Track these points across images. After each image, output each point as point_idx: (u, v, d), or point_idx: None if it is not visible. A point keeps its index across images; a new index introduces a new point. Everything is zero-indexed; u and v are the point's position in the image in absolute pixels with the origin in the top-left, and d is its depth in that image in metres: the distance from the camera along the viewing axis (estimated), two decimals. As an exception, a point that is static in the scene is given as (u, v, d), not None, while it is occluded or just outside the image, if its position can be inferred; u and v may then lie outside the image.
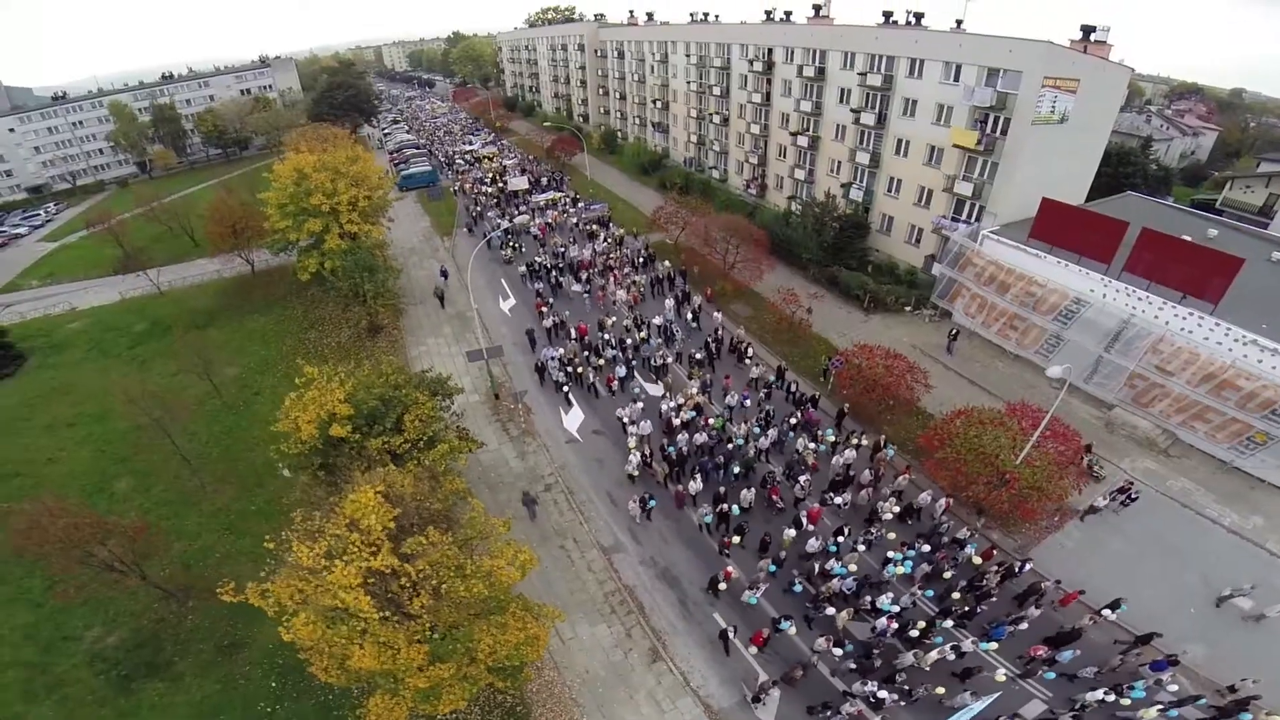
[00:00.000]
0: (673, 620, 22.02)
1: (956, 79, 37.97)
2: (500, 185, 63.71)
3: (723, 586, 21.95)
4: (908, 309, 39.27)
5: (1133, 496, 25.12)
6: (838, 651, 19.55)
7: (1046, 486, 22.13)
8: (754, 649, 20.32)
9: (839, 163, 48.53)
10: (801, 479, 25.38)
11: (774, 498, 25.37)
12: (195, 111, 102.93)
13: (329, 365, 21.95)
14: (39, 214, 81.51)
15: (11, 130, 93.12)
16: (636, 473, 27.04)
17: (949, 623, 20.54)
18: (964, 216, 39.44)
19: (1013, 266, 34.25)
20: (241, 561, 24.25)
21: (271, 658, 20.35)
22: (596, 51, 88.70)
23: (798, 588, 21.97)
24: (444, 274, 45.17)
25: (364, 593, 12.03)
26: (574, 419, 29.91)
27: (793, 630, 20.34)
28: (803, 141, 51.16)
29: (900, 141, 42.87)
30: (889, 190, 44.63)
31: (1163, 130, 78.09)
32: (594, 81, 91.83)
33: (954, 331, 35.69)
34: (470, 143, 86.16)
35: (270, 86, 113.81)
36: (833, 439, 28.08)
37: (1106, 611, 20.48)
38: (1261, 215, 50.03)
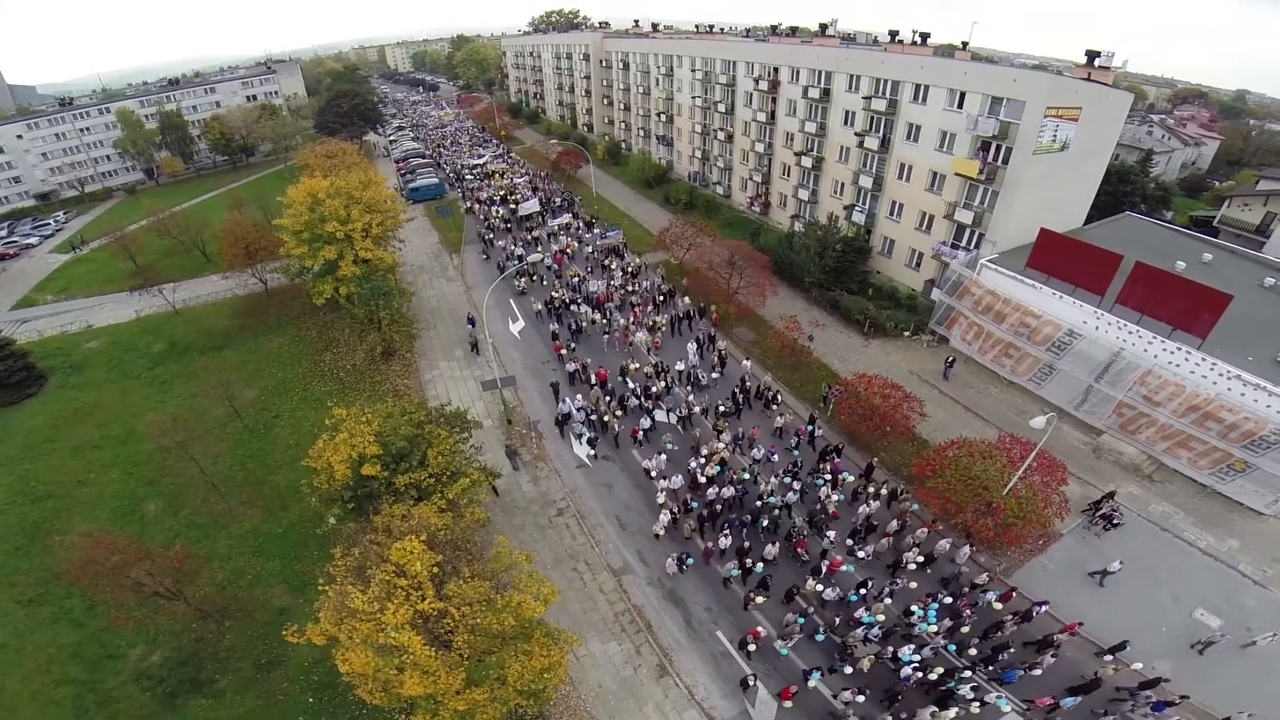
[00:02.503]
0: (679, 638, 23.97)
1: (960, 106, 39.19)
2: (511, 207, 64.83)
3: (752, 648, 22.75)
4: (906, 334, 41.07)
5: (1115, 522, 26.97)
6: (861, 699, 20.59)
7: (1030, 516, 24.01)
8: (785, 703, 21.07)
9: (842, 184, 50.24)
10: (831, 534, 26.27)
11: (799, 550, 26.08)
12: (202, 118, 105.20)
13: (356, 406, 23.81)
14: (49, 223, 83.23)
15: (19, 137, 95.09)
16: (663, 531, 27.37)
17: (967, 671, 21.52)
18: (964, 243, 40.96)
19: (1009, 297, 35.93)
20: (273, 583, 26.32)
21: (308, 674, 22.36)
22: (602, 61, 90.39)
23: (820, 637, 23.21)
24: (471, 321, 43.66)
25: (414, 632, 13.97)
26: (583, 447, 31.72)
27: (818, 679, 21.31)
28: (807, 162, 52.85)
29: (903, 166, 44.35)
30: (891, 214, 46.24)
31: (1164, 141, 79.74)
32: (599, 91, 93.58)
33: (950, 359, 37.48)
34: (479, 155, 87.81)
35: (276, 92, 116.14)
36: (851, 479, 28.98)
37: (1137, 665, 21.30)
38: (1258, 234, 51.62)
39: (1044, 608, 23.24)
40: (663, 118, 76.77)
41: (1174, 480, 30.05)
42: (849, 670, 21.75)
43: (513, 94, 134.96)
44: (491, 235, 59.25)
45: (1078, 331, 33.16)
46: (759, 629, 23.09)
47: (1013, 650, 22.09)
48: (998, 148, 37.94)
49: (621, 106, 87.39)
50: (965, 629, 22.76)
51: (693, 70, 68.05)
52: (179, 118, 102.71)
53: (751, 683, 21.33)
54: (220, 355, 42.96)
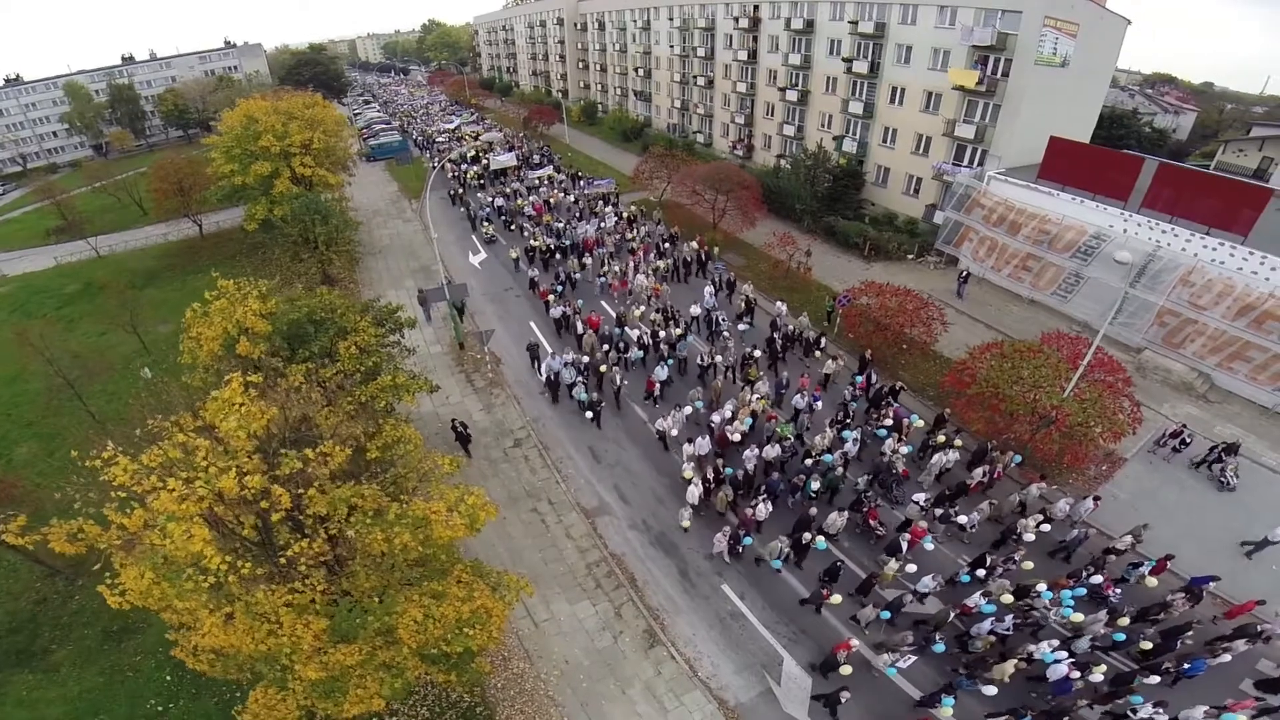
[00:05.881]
0: (672, 595, 17.76)
1: (952, 22, 34.92)
2: (484, 163, 56.73)
3: (846, 669, 15.03)
4: (910, 257, 35.45)
5: (1185, 441, 21.50)
6: None
7: (1098, 424, 18.32)
8: None
9: (830, 116, 44.82)
10: (920, 497, 19.08)
11: (872, 522, 18.92)
12: (156, 93, 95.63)
13: (247, 279, 17.16)
14: (-15, 193, 74.61)
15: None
16: (690, 513, 19.53)
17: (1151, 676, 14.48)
18: (965, 162, 36.04)
19: (1024, 205, 30.73)
20: (147, 532, 19.61)
21: (168, 646, 15.55)
22: (576, 25, 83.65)
23: (939, 647, 15.74)
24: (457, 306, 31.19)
25: (204, 523, 7.50)
26: (549, 368, 25.26)
27: (952, 706, 13.90)
28: (791, 96, 47.31)
29: (895, 89, 39.50)
30: (884, 141, 40.93)
31: (1146, 106, 75.71)
32: (573, 56, 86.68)
33: (964, 274, 31.97)
34: (451, 121, 79.91)
35: (236, 68, 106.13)
36: (920, 424, 22.17)
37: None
38: (1255, 178, 47.54)
39: (1211, 584, 16.29)
40: (640, 72, 70.31)
41: (1232, 400, 24.68)
42: (988, 690, 14.45)
43: (485, 70, 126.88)
44: (462, 190, 51.38)
45: (1105, 235, 27.95)
46: (851, 641, 15.51)
47: (1190, 637, 15.21)
48: (996, 60, 33.63)
49: (597, 67, 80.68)
50: (1125, 618, 15.71)
51: (670, 19, 62.06)
52: (130, 91, 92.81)
53: (843, 700, 14.23)
54: (140, 294, 35.62)
